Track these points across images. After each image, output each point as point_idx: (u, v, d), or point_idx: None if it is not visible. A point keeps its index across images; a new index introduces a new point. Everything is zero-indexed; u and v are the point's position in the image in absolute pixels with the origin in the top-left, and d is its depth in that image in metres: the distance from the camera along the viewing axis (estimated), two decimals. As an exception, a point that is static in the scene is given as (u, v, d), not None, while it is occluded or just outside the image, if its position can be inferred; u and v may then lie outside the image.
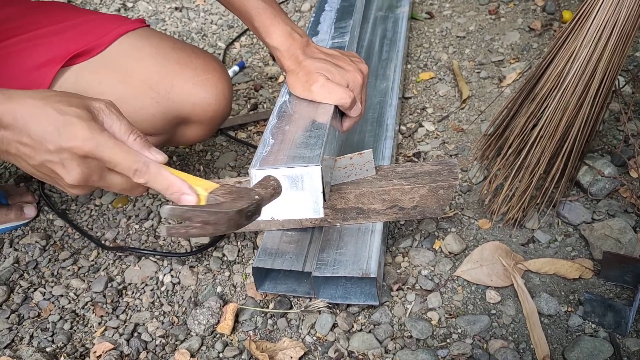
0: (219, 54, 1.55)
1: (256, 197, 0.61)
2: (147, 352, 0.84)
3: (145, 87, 0.88)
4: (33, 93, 0.60)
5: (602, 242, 0.86)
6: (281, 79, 1.42)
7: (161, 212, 0.53)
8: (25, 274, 0.99)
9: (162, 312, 0.89)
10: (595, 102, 0.86)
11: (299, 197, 0.69)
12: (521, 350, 0.77)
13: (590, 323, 0.78)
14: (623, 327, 0.75)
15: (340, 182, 0.85)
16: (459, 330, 0.81)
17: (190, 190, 0.59)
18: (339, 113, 0.82)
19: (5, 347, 0.86)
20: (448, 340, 0.80)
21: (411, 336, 0.80)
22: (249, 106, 1.34)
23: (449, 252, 0.91)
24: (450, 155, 1.10)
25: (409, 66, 1.37)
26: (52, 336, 0.88)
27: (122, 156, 0.59)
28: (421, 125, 1.19)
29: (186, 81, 0.89)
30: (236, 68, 1.45)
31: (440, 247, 0.93)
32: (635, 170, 0.94)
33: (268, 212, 0.71)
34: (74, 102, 0.60)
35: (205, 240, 0.99)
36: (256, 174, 0.69)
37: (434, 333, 0.81)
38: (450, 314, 0.83)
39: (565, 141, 0.88)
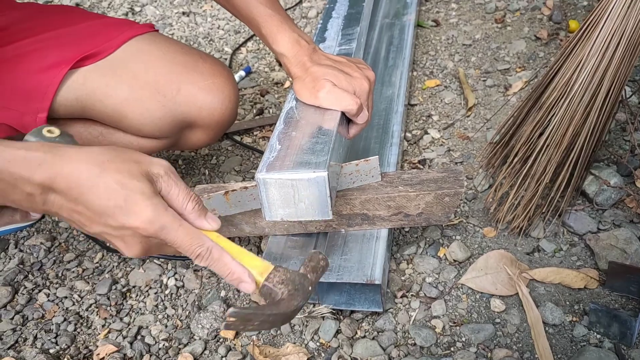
0: (226, 59, 1.56)
1: (309, 288, 0.62)
2: (150, 355, 0.83)
3: (152, 90, 0.89)
4: (87, 155, 0.57)
5: (608, 252, 0.86)
6: (287, 84, 1.43)
7: (227, 313, 0.55)
8: (30, 275, 0.99)
9: (165, 316, 0.89)
10: (602, 112, 0.86)
11: (306, 202, 0.69)
12: (525, 360, 0.76)
13: (595, 333, 0.78)
14: (628, 338, 0.75)
15: (345, 188, 0.85)
16: (463, 339, 0.80)
17: (249, 278, 0.60)
18: (346, 119, 0.82)
19: (9, 348, 0.86)
20: (452, 349, 0.79)
21: (415, 344, 0.80)
22: (254, 111, 1.34)
23: (454, 260, 0.91)
24: (456, 163, 1.10)
25: (414, 73, 1.38)
26: (55, 338, 0.88)
27: (186, 240, 0.58)
28: (427, 133, 1.19)
29: (193, 85, 0.90)
30: (242, 73, 1.46)
31: (444, 254, 0.92)
32: (642, 180, 0.94)
33: (278, 214, 0.71)
34: (134, 170, 0.57)
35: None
36: (263, 179, 0.69)
37: (438, 341, 0.80)
38: (455, 322, 0.83)
39: (571, 150, 0.88)
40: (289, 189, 0.69)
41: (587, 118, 0.86)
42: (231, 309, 0.55)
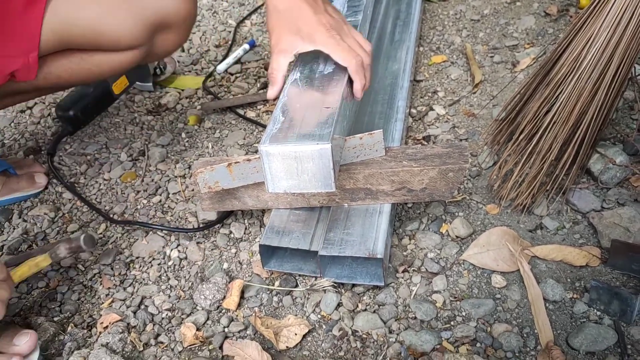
0: (229, 32, 1.54)
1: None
2: (154, 325, 0.85)
3: (119, 2, 0.89)
4: None
5: (611, 230, 0.86)
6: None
7: None
8: (33, 245, 1.00)
9: (168, 286, 0.90)
10: (611, 89, 0.85)
11: (309, 174, 0.69)
12: (525, 335, 0.77)
13: (595, 310, 0.78)
14: (628, 315, 0.75)
15: (349, 162, 0.85)
16: (463, 313, 0.81)
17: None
18: (350, 86, 0.81)
19: (14, 316, 0.87)
20: (452, 323, 0.80)
21: (415, 317, 0.81)
22: (258, 85, 1.33)
23: (456, 236, 0.91)
24: (461, 140, 1.10)
25: (421, 49, 1.36)
26: (60, 306, 0.89)
27: None
28: (432, 109, 1.18)
29: None
30: (246, 46, 1.44)
31: (447, 230, 0.93)
32: (648, 159, 0.93)
33: (281, 186, 0.71)
34: None
35: (212, 216, 0.99)
36: (266, 151, 0.69)
37: (438, 315, 0.81)
38: (455, 297, 0.83)
39: (578, 128, 0.87)
40: (292, 160, 0.69)
41: (595, 95, 0.85)
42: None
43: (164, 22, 0.94)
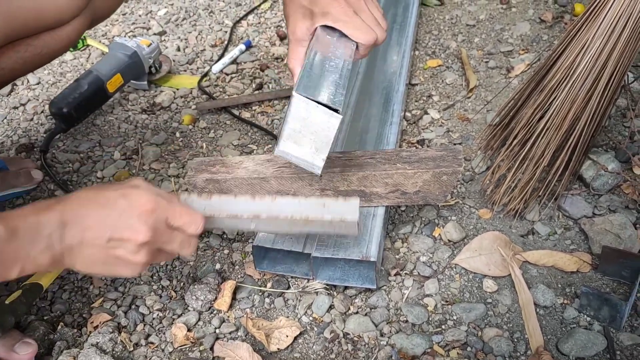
0: (226, 32, 1.54)
1: None
2: (145, 325, 0.84)
3: None
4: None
5: (602, 236, 0.86)
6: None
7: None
8: (25, 243, 0.99)
9: (160, 286, 0.90)
10: (604, 97, 0.85)
11: (310, 140, 0.68)
12: (515, 340, 0.77)
13: (585, 316, 0.79)
14: (618, 321, 0.76)
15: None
16: (455, 317, 0.81)
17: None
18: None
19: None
20: (443, 327, 0.80)
21: (407, 321, 0.81)
22: (254, 85, 1.33)
23: (449, 240, 0.92)
24: (455, 144, 1.10)
25: (416, 52, 1.36)
26: (50, 305, 0.88)
27: (185, 214, 0.67)
28: (426, 113, 1.19)
29: None
30: (242, 47, 1.44)
31: (439, 234, 0.93)
32: (639, 166, 0.94)
33: (286, 146, 0.69)
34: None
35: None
36: (299, 97, 0.67)
37: (430, 319, 0.81)
38: (447, 301, 0.83)
39: (571, 134, 0.88)
40: (311, 118, 0.67)
41: (588, 102, 0.85)
42: None
43: None
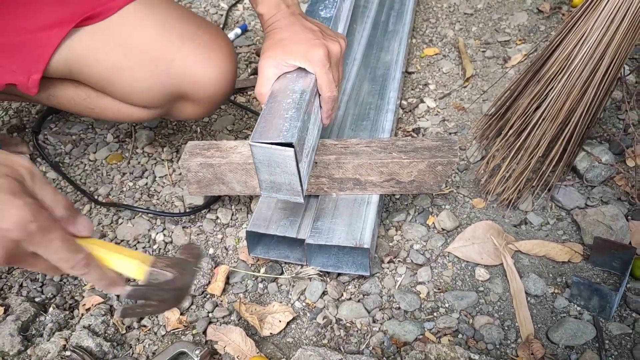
0: (222, 15, 1.52)
1: (194, 268, 0.63)
2: (137, 308, 0.84)
3: (144, 59, 0.85)
4: None
5: (594, 227, 0.87)
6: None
7: (121, 295, 0.52)
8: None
9: (153, 270, 0.90)
10: (600, 88, 0.86)
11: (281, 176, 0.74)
12: (506, 328, 0.78)
13: (575, 305, 0.80)
14: (607, 311, 0.77)
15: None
16: (447, 305, 0.82)
17: (121, 282, 0.57)
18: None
19: (-6, 295, 0.86)
20: (435, 314, 0.81)
21: (399, 307, 0.82)
22: (249, 70, 1.32)
23: (442, 229, 0.92)
24: (450, 133, 1.10)
25: (414, 40, 1.36)
26: (41, 287, 0.88)
27: (61, 246, 0.52)
28: (422, 101, 1.18)
29: (188, 56, 0.86)
30: (238, 31, 1.43)
31: (433, 223, 0.93)
32: (633, 159, 0.94)
33: (269, 190, 0.76)
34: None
35: (199, 201, 0.99)
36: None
37: (422, 306, 0.82)
38: (439, 289, 0.84)
39: (566, 125, 0.88)
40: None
41: (584, 94, 0.86)
42: (127, 288, 0.55)
43: (186, 94, 0.89)
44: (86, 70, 0.86)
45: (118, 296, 0.85)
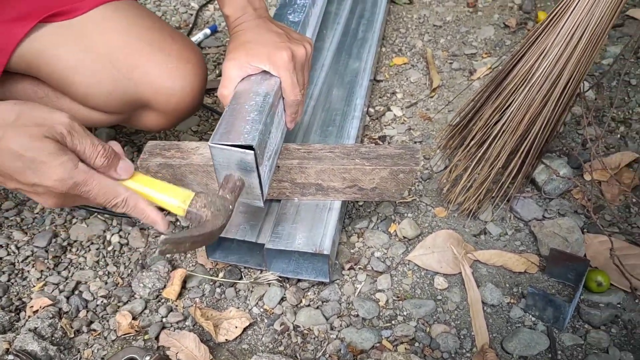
0: (191, 15, 1.50)
1: (230, 207, 0.68)
2: (87, 311, 0.81)
3: (106, 63, 0.82)
4: None
5: (550, 239, 0.89)
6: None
7: (159, 241, 0.61)
8: (-37, 221, 0.94)
9: (106, 272, 0.87)
10: (559, 103, 0.87)
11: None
12: (462, 337, 0.78)
13: (530, 316, 0.81)
14: (561, 322, 0.78)
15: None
16: (405, 313, 0.82)
17: (162, 220, 0.65)
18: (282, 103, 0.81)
19: None
20: (393, 322, 0.81)
21: (358, 315, 0.81)
22: (217, 72, 1.30)
23: (404, 237, 0.92)
24: (415, 142, 1.11)
25: (383, 49, 1.36)
26: (-14, 287, 0.84)
27: (100, 193, 0.62)
28: (389, 110, 1.19)
29: (153, 65, 0.83)
30: (208, 31, 1.41)
31: (395, 230, 0.93)
32: (590, 173, 0.97)
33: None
34: (36, 133, 0.58)
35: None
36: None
37: (380, 314, 0.82)
38: (398, 297, 0.84)
39: (525, 138, 0.89)
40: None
41: (544, 108, 0.87)
42: (162, 236, 0.61)
43: (149, 103, 0.86)
44: (45, 67, 0.83)
45: (68, 299, 0.82)
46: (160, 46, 0.84)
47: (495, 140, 0.89)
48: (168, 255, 0.89)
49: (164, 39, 0.86)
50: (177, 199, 0.66)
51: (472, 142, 0.93)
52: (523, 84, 0.87)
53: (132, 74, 0.83)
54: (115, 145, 0.66)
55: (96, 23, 0.83)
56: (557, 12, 0.84)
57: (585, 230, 0.91)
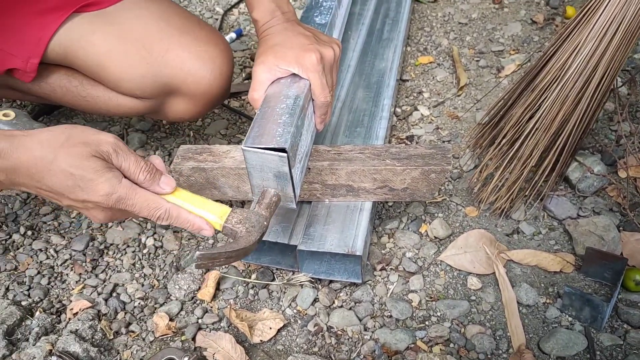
0: (217, 20, 1.51)
1: (265, 223, 0.70)
2: (125, 313, 0.83)
3: (139, 46, 0.85)
4: (40, 143, 0.62)
5: (586, 238, 0.87)
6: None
7: (195, 256, 0.62)
8: (4, 226, 0.97)
9: (142, 275, 0.89)
10: (593, 99, 0.86)
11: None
12: (497, 337, 0.78)
13: (567, 316, 0.79)
14: (599, 322, 0.77)
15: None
16: (438, 314, 0.81)
17: (207, 226, 0.68)
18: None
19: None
20: (427, 322, 0.80)
21: (391, 316, 0.81)
22: (244, 75, 1.32)
23: (435, 237, 0.92)
24: (444, 142, 1.10)
25: (408, 49, 1.36)
26: (28, 290, 0.86)
27: (144, 206, 0.65)
28: (416, 109, 1.18)
29: (183, 48, 0.86)
30: (233, 35, 1.42)
31: (426, 231, 0.93)
32: (625, 170, 0.95)
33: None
34: (84, 152, 0.62)
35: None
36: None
37: (414, 314, 0.81)
38: (431, 297, 0.84)
39: (559, 136, 0.88)
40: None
41: (577, 104, 0.86)
42: (198, 252, 0.64)
43: (179, 88, 0.88)
44: (81, 53, 0.86)
45: (106, 301, 0.84)
46: (189, 31, 0.88)
47: (528, 139, 0.88)
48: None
49: (192, 25, 0.90)
50: (215, 215, 0.69)
51: (504, 141, 0.92)
52: (556, 81, 0.85)
53: (163, 56, 0.86)
54: (157, 160, 0.69)
55: (129, 11, 0.87)
56: (590, 6, 0.82)
57: (621, 228, 0.90)
